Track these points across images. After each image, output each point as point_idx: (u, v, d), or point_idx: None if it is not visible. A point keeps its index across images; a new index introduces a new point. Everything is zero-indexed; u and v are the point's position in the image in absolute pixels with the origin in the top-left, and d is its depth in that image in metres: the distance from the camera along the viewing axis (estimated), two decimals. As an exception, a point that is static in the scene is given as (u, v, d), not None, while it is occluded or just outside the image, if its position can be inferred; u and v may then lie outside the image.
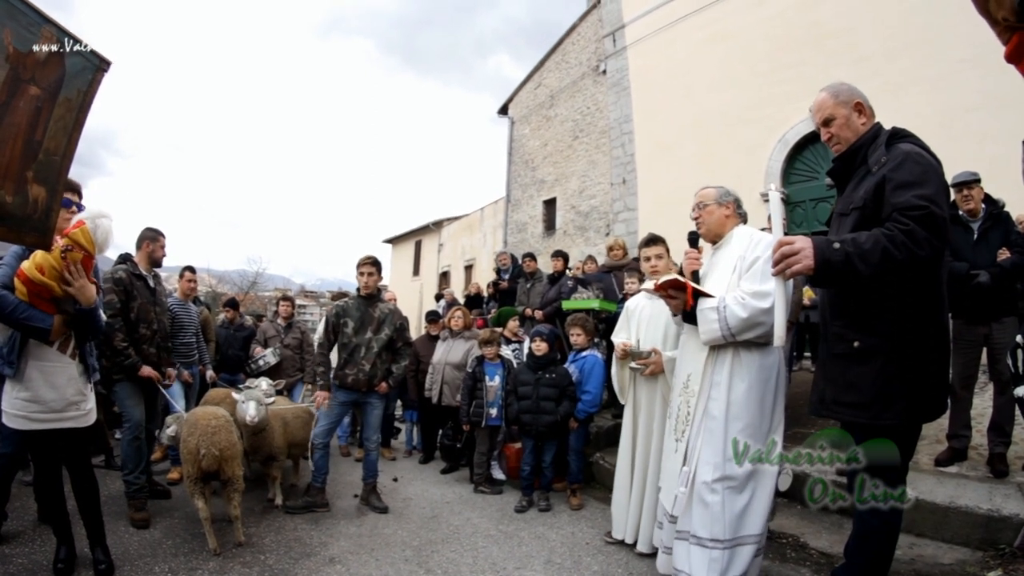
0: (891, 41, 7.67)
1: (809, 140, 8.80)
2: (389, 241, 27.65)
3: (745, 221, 2.86)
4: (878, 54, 7.74)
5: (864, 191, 2.01)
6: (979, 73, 6.71)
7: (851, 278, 1.85)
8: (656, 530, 3.14)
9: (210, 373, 5.33)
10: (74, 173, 2.43)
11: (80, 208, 2.87)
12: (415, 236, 25.36)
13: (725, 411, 2.46)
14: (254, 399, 3.77)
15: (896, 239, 1.77)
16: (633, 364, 3.41)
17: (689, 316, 2.57)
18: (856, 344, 1.99)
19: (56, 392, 2.61)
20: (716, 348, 2.52)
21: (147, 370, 3.75)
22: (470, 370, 4.96)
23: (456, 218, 22.50)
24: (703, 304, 2.48)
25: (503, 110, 16.99)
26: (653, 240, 3.60)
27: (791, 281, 2.05)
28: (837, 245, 1.83)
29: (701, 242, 2.82)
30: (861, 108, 2.17)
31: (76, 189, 3.15)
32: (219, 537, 3.25)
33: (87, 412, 2.78)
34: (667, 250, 3.59)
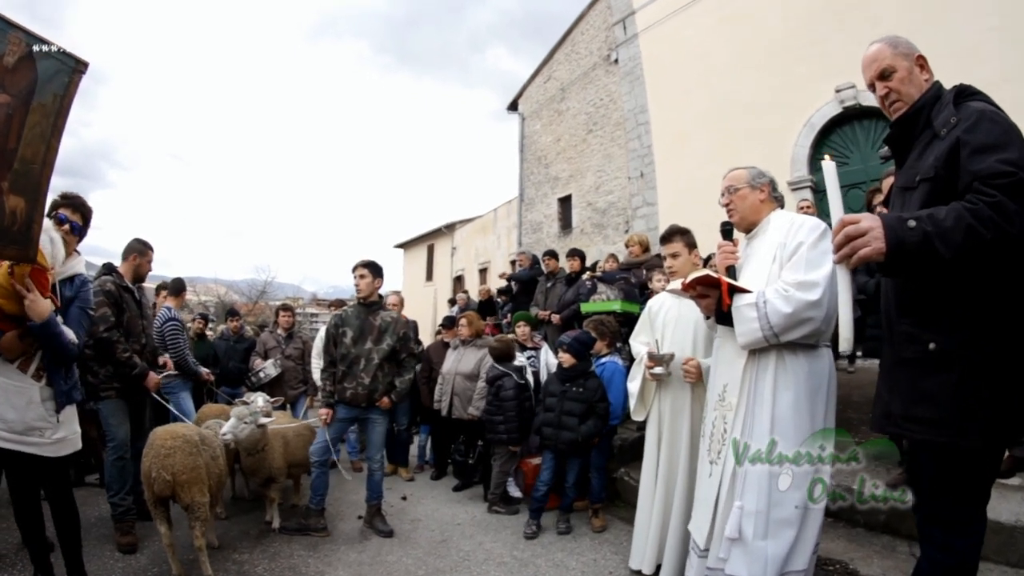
0: (912, 12, 7.17)
1: (836, 123, 8.33)
2: (400, 246, 27.44)
3: (782, 206, 2.49)
4: (901, 27, 7.23)
5: (934, 158, 1.65)
6: (1007, 44, 6.25)
7: (930, 263, 1.48)
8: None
9: (204, 370, 5.03)
10: (74, 186, 2.26)
11: (76, 227, 2.75)
12: (427, 240, 25.06)
13: (769, 429, 2.08)
14: (237, 415, 3.46)
15: (982, 214, 1.42)
16: (657, 370, 3.02)
17: (723, 317, 2.20)
18: (932, 346, 1.61)
19: (16, 413, 2.40)
20: (756, 353, 2.15)
21: (154, 377, 3.63)
22: (522, 382, 4.59)
23: (469, 220, 22.16)
24: (739, 301, 2.11)
25: (512, 106, 16.54)
26: (668, 235, 3.16)
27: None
28: (912, 223, 1.47)
29: (736, 234, 2.45)
30: (924, 63, 1.81)
31: (79, 207, 2.86)
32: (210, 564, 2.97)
33: (55, 441, 2.50)
34: (687, 244, 3.10)
